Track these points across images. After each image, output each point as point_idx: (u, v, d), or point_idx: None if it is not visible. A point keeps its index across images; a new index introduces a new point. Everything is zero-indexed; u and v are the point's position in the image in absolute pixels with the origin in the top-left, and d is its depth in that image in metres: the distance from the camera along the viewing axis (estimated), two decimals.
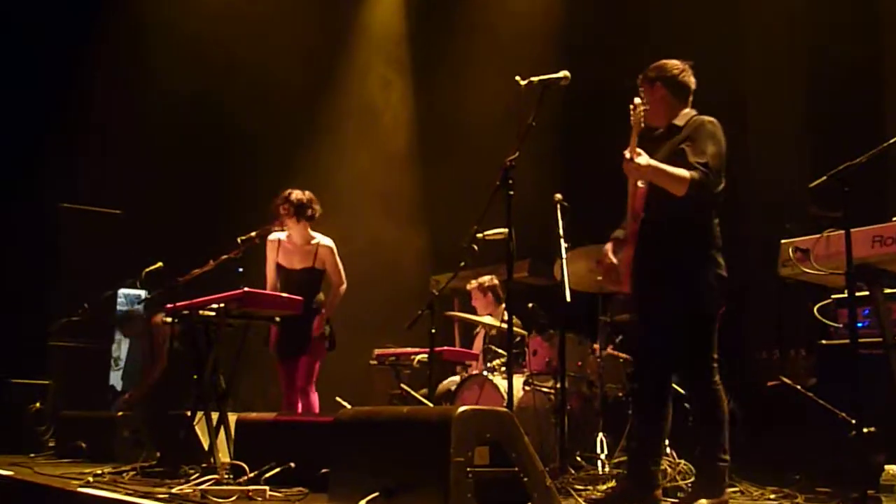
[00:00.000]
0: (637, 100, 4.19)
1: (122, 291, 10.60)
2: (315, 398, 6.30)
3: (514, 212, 4.20)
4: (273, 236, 6.33)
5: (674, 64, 4.34)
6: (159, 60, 9.40)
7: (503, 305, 7.43)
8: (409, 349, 6.80)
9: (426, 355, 6.22)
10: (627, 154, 4.07)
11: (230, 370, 5.95)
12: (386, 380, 7.60)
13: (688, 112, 4.31)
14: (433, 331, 5.51)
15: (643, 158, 4.05)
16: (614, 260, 4.43)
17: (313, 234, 6.30)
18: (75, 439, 6.67)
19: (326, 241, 6.30)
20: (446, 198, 8.74)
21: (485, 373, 6.51)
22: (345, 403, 6.70)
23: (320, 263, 6.25)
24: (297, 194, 6.20)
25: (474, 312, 7.70)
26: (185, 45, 9.34)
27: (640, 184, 4.32)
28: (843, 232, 3.82)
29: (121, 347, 11.86)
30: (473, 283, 7.62)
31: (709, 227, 4.15)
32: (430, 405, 5.88)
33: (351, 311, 6.41)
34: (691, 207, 4.06)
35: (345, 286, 6.30)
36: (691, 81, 4.34)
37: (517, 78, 4.28)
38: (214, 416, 5.23)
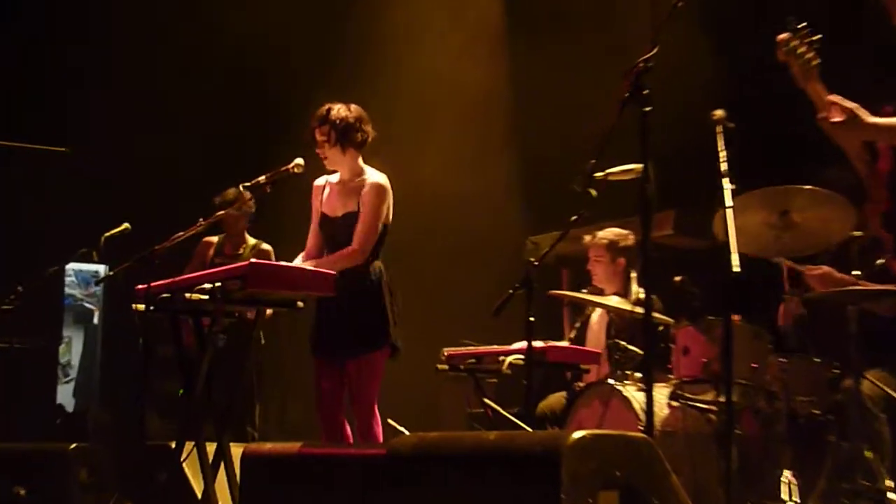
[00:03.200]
0: (783, 35, 4.30)
1: (71, 267, 10.80)
2: (378, 426, 6.23)
3: (653, 139, 4.17)
4: (320, 180, 6.44)
5: None
6: None
7: (634, 277, 7.48)
8: (494, 347, 6.79)
9: (521, 356, 6.25)
10: (821, 113, 4.29)
11: (233, 380, 6.08)
12: (461, 392, 7.77)
13: None
14: (531, 318, 5.45)
15: (848, 113, 4.25)
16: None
17: (365, 167, 6.33)
18: (10, 485, 6.77)
19: (377, 177, 6.28)
20: (548, 115, 8.78)
21: (610, 381, 6.54)
22: (401, 428, 6.78)
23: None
24: (338, 110, 6.20)
25: (590, 284, 7.73)
26: None
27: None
28: None
29: (70, 349, 12.09)
30: (598, 237, 7.58)
31: None
32: (529, 430, 5.85)
33: (407, 292, 6.44)
34: None
35: (360, 251, 6.10)
36: None
37: None
38: (210, 448, 5.30)
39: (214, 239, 8.16)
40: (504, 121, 9.96)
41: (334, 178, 6.43)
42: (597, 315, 7.77)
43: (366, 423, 6.23)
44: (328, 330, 6.26)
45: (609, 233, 7.63)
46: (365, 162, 6.42)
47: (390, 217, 6.36)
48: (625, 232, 7.64)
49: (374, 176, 6.34)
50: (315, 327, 6.34)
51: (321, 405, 6.33)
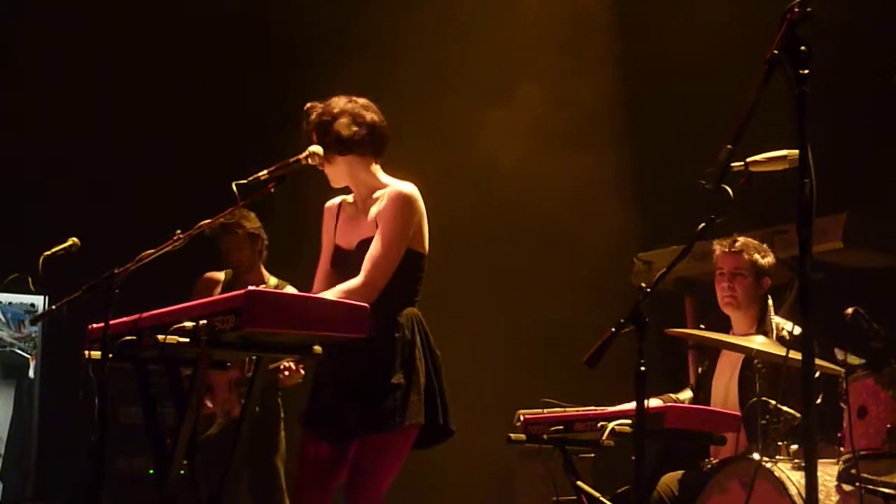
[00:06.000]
0: None
1: None
2: None
3: (814, 115, 3.94)
4: (333, 201, 6.44)
5: None
6: None
7: (772, 311, 7.49)
8: (590, 409, 6.83)
9: (627, 421, 6.39)
10: None
11: (225, 459, 5.93)
12: (544, 472, 7.64)
13: None
14: (643, 368, 5.30)
15: None
16: None
17: (385, 178, 6.27)
18: None
19: (399, 185, 6.19)
20: (668, 87, 8.65)
21: (755, 455, 6.50)
22: None
23: None
24: (317, 107, 6.21)
25: (716, 314, 7.57)
26: None
27: None
28: None
29: None
30: (742, 244, 7.50)
31: None
32: None
33: (465, 334, 6.33)
34: None
35: (365, 286, 6.00)
36: None
37: None
38: None
39: (220, 275, 8.01)
40: (608, 93, 9.83)
41: (351, 198, 6.41)
42: (724, 360, 7.60)
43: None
44: (326, 395, 6.20)
45: (751, 243, 7.51)
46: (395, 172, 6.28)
47: (426, 243, 6.23)
48: (764, 245, 7.60)
49: (398, 186, 6.22)
50: (311, 392, 6.33)
51: (301, 496, 6.26)
